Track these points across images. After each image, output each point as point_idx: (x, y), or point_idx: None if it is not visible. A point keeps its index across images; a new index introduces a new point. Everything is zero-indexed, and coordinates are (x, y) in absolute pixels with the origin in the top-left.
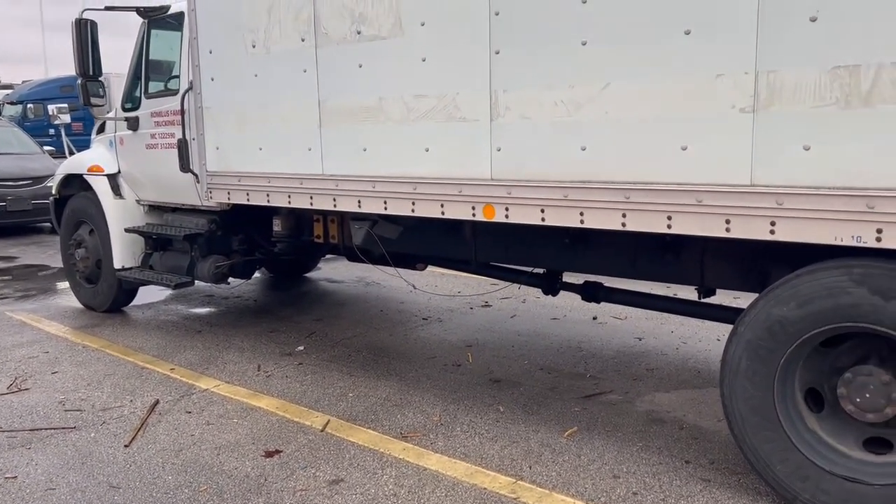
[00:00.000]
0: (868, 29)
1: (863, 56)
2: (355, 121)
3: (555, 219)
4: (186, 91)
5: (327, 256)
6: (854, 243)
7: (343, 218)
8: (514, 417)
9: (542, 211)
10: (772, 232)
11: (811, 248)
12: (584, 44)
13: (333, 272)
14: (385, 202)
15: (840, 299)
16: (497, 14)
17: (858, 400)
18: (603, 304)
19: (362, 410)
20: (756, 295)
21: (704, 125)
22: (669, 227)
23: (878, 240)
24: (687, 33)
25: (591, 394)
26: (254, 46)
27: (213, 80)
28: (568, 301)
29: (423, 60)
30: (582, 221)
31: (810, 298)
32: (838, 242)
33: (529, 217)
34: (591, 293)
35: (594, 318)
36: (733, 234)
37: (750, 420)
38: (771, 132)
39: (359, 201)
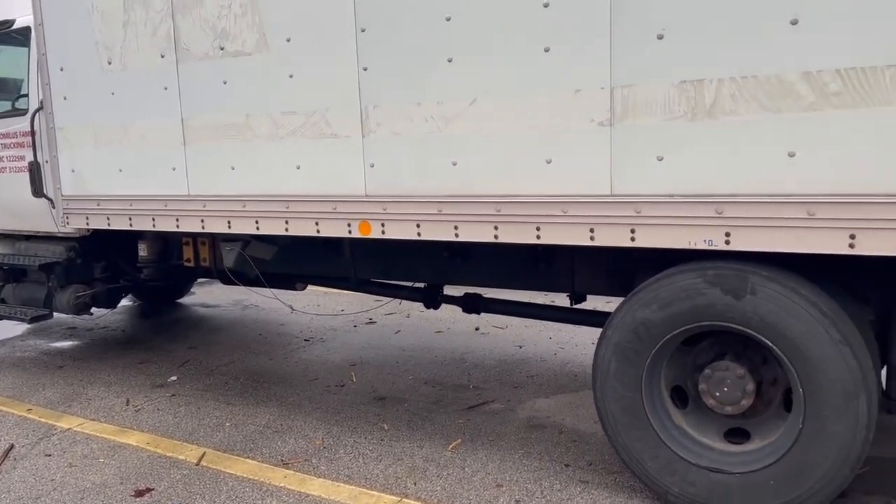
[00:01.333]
0: (708, 46)
1: (705, 71)
2: (222, 139)
3: (430, 233)
4: (37, 111)
5: (201, 280)
6: (706, 247)
7: (214, 239)
8: (399, 434)
9: (418, 226)
10: (632, 239)
11: (672, 253)
12: (450, 60)
13: (209, 296)
14: (257, 222)
15: (696, 300)
16: (363, 31)
17: (718, 394)
18: (485, 314)
19: (241, 440)
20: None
21: (566, 139)
22: (539, 237)
23: (728, 242)
24: (546, 50)
25: (474, 404)
26: (109, 63)
27: (65, 99)
28: (451, 314)
29: (291, 77)
30: (457, 235)
31: (670, 301)
32: (692, 246)
33: (406, 232)
34: (472, 305)
35: (477, 329)
36: (598, 243)
37: (621, 420)
38: (627, 144)
39: (228, 222)
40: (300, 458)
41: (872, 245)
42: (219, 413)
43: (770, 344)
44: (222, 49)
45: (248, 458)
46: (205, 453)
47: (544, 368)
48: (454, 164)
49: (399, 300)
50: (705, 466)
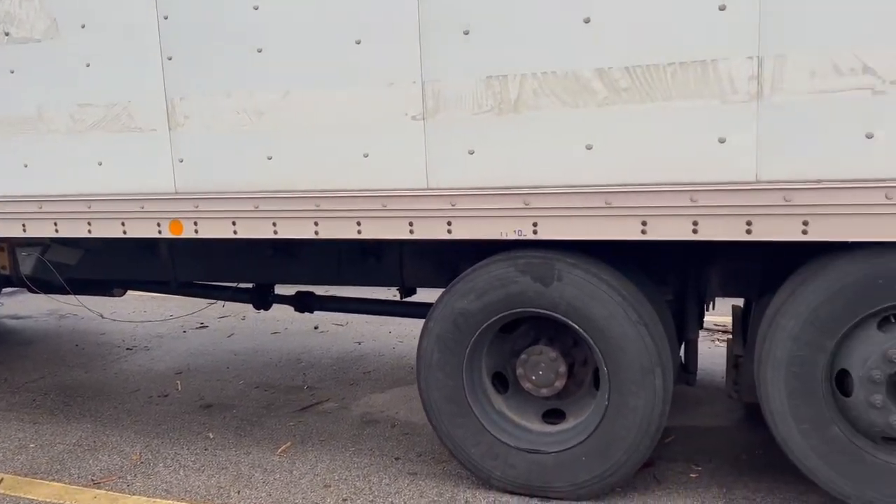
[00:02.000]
0: (511, 42)
1: (509, 67)
2: (11, 133)
3: (248, 231)
4: None
5: (9, 290)
6: (516, 237)
7: (12, 245)
8: (225, 443)
9: (234, 224)
10: (449, 231)
11: (490, 244)
12: (259, 51)
13: (20, 307)
14: (56, 224)
15: (510, 288)
16: (166, 18)
17: (534, 377)
18: (326, 312)
19: (46, 461)
20: None
21: (382, 132)
22: (360, 232)
23: (535, 232)
24: (358, 43)
25: (307, 405)
26: None
27: None
28: (289, 313)
29: (88, 66)
30: (276, 232)
31: (486, 290)
32: (504, 237)
33: (221, 231)
34: (304, 303)
35: (316, 328)
36: (417, 236)
37: (445, 409)
38: (440, 138)
39: (23, 225)
40: (114, 476)
41: (661, 231)
42: (22, 434)
43: (577, 327)
44: (7, 34)
45: (54, 480)
46: (2, 479)
47: (382, 363)
48: (269, 159)
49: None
50: (524, 448)
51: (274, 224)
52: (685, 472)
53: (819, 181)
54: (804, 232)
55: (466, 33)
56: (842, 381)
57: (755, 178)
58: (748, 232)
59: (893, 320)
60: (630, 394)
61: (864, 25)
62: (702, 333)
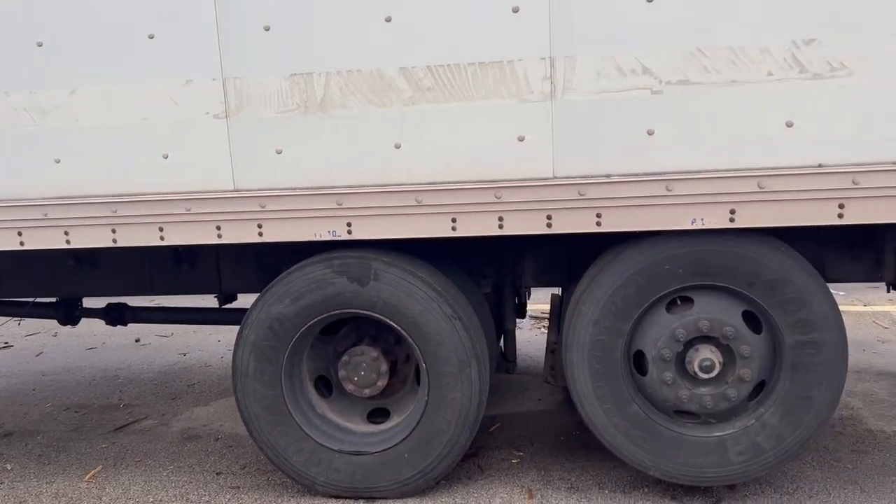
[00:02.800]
0: (314, 39)
1: (313, 65)
2: None
3: (37, 242)
4: None
5: None
6: (331, 237)
7: None
8: (25, 473)
9: (20, 234)
10: (260, 234)
11: (312, 245)
12: (39, 45)
13: None
14: None
15: (326, 290)
16: None
17: (356, 378)
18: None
19: None
20: None
21: (182, 132)
22: (163, 238)
23: (350, 232)
24: (151, 37)
25: (123, 424)
26: None
27: None
28: (109, 327)
29: None
30: (68, 242)
31: (302, 293)
32: (318, 238)
33: (5, 242)
34: (116, 316)
35: (137, 341)
36: (225, 240)
37: (264, 419)
38: (245, 138)
39: None
40: None
41: (470, 227)
42: None
43: (394, 325)
44: None
45: None
46: None
47: (208, 374)
48: (58, 162)
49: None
50: (347, 451)
51: (66, 233)
52: (507, 458)
53: (609, 176)
54: (598, 224)
55: (267, 29)
56: (639, 362)
57: (552, 175)
58: (549, 226)
59: (679, 302)
60: (448, 387)
61: (642, 30)
62: (530, 322)
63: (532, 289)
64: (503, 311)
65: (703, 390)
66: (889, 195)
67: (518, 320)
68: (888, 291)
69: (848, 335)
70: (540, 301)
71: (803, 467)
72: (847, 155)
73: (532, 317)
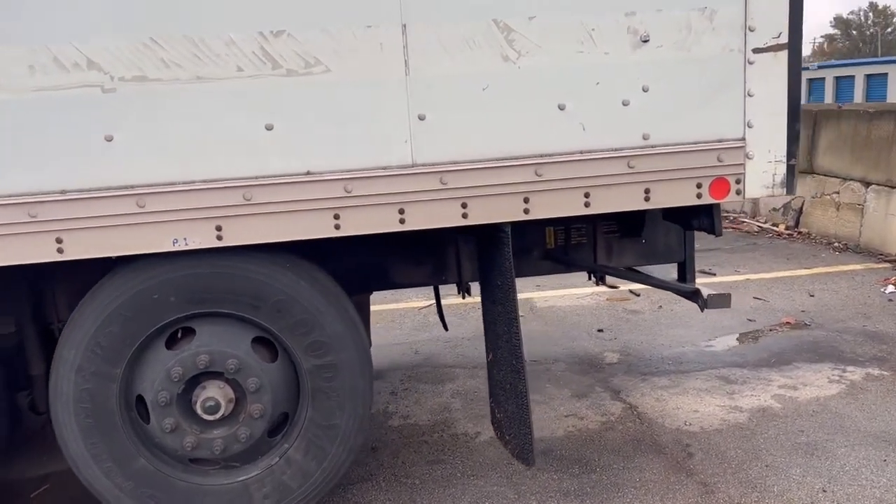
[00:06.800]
0: None
1: None
2: None
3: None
4: None
5: None
6: None
7: None
8: None
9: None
10: None
11: None
12: None
13: None
14: None
15: None
16: None
17: None
18: None
19: None
20: None
21: None
22: None
23: None
24: None
25: None
26: None
27: None
28: None
29: None
30: None
31: None
32: None
33: None
34: None
35: None
36: None
37: None
38: None
39: None
40: None
41: None
42: None
43: None
44: None
45: None
46: None
47: None
48: None
49: None
50: None
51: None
52: None
53: (64, 192)
54: (59, 251)
55: None
56: (143, 408)
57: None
58: None
59: (180, 335)
60: None
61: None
62: None
63: None
64: (29, 358)
65: (215, 433)
66: (377, 203)
67: None
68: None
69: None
70: None
71: (368, 491)
72: (337, 161)
73: None
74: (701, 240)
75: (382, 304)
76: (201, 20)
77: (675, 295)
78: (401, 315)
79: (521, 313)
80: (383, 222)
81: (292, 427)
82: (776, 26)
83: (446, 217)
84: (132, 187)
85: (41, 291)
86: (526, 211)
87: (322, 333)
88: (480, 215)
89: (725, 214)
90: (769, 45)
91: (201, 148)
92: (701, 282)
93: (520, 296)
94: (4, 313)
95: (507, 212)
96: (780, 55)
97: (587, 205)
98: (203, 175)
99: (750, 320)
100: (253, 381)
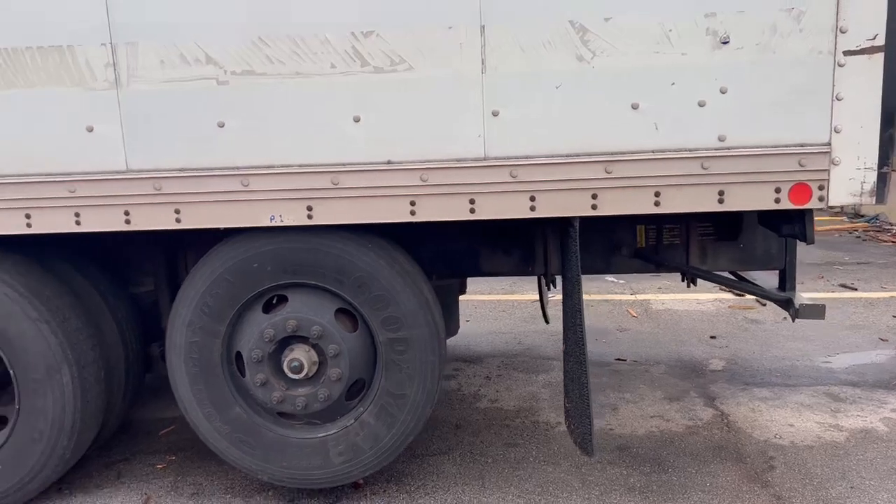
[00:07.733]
0: None
1: None
2: None
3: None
4: None
5: None
6: None
7: None
8: None
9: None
10: None
11: None
12: None
13: None
14: None
15: None
16: None
17: None
18: None
19: None
20: None
21: None
22: None
23: None
24: None
25: None
26: None
27: None
28: None
29: None
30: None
31: None
32: None
33: None
34: None
35: None
36: None
37: None
38: None
39: None
40: None
41: (44, 224)
42: None
43: None
44: None
45: None
46: None
47: None
48: None
49: None
50: None
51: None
52: (156, 463)
53: (183, 170)
54: (178, 220)
55: None
56: (242, 363)
57: (126, 168)
58: (127, 222)
59: (276, 302)
60: (37, 394)
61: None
62: None
63: None
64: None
65: (300, 391)
66: (450, 192)
67: None
68: (682, 281)
69: (592, 324)
70: None
71: (443, 463)
72: (415, 152)
73: None
74: (853, 252)
75: (497, 294)
76: (301, 22)
77: None
78: (512, 306)
79: (634, 314)
80: (455, 211)
81: (368, 393)
82: (872, 28)
83: (514, 209)
84: (238, 168)
85: (175, 255)
86: (594, 207)
87: (397, 310)
88: (548, 209)
89: (889, 226)
90: (863, 47)
91: (297, 136)
92: (819, 295)
93: (638, 297)
94: (145, 273)
95: (574, 207)
96: (875, 58)
97: (657, 204)
98: (298, 160)
99: (882, 339)
100: (333, 347)
